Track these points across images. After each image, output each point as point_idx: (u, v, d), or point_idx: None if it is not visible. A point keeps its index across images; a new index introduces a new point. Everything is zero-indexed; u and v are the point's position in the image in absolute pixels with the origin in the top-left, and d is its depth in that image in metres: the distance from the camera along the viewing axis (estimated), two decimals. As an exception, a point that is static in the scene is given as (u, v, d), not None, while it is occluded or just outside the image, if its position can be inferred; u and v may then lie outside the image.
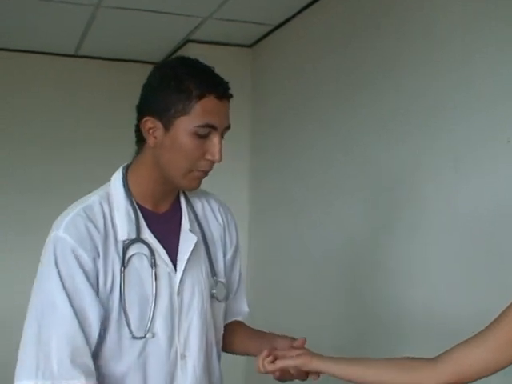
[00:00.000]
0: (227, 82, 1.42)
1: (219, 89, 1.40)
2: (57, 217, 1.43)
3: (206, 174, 1.45)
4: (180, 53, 3.64)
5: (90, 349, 1.36)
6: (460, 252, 2.15)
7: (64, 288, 1.34)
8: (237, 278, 1.67)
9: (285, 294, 3.24)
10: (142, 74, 1.50)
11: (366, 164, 2.65)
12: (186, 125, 1.38)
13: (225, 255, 1.61)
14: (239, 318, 1.69)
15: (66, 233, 1.36)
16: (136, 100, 1.45)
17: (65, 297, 1.33)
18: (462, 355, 1.36)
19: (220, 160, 1.41)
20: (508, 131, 1.93)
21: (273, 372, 1.44)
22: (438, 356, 1.39)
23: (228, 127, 1.43)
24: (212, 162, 1.42)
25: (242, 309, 1.70)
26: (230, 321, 1.67)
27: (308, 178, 3.11)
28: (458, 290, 2.16)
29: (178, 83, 1.38)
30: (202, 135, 1.39)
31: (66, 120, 3.89)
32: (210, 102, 1.38)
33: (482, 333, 1.37)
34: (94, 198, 1.44)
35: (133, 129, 1.46)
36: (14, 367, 1.34)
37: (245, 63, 3.65)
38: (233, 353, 1.69)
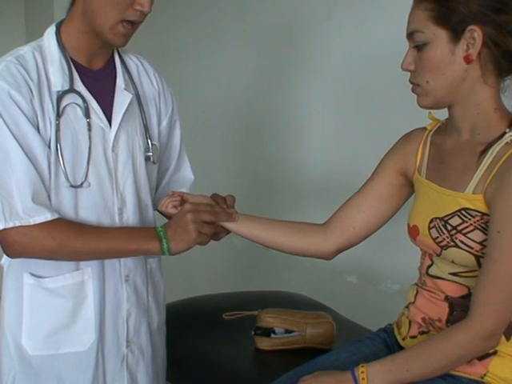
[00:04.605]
0: None
1: None
2: None
3: (133, 28, 1.42)
4: None
5: (46, 192, 1.39)
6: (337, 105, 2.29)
7: (12, 135, 1.34)
8: (177, 150, 1.69)
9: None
10: None
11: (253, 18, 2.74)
12: None
13: (159, 122, 1.61)
14: (184, 190, 1.68)
15: (0, 80, 1.35)
16: None
17: (15, 143, 1.34)
18: (346, 221, 1.41)
19: (149, 10, 1.39)
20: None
21: (170, 213, 1.47)
22: (327, 223, 1.44)
23: None
24: (141, 13, 1.39)
25: (187, 177, 1.72)
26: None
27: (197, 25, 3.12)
28: (331, 143, 2.33)
29: None
30: None
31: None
32: None
33: (359, 194, 1.41)
34: (26, 49, 1.43)
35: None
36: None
37: None
38: None
